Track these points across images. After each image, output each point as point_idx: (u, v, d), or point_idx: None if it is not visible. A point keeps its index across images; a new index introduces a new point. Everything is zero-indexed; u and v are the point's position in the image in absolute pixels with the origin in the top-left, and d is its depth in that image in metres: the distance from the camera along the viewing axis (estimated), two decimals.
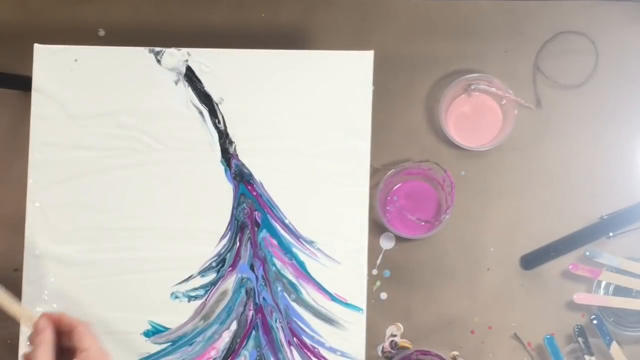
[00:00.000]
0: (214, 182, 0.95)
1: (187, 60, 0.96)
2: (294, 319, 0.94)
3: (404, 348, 1.07)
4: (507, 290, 1.07)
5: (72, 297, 0.93)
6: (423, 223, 1.07)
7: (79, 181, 0.95)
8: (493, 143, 1.07)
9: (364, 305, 0.93)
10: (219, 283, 0.94)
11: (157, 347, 0.94)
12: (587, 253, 1.05)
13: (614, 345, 1.03)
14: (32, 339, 0.74)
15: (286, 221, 0.94)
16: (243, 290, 0.94)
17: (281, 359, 0.93)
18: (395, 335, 1.07)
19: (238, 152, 0.95)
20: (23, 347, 0.93)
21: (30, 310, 0.78)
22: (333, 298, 0.94)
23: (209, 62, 0.96)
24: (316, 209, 0.94)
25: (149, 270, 0.94)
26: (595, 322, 1.04)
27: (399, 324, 1.07)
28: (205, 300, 0.94)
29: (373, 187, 1.03)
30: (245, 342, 0.94)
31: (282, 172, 0.94)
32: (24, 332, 0.93)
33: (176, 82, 0.96)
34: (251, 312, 0.94)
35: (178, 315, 0.94)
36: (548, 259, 1.07)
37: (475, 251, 1.08)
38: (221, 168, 0.95)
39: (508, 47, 1.10)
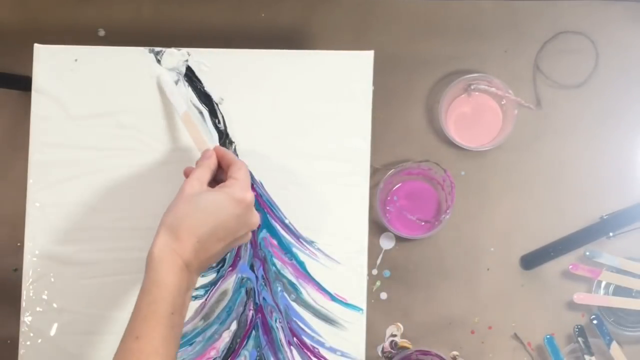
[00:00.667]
0: None
1: (187, 60, 0.96)
2: (294, 319, 0.94)
3: (404, 348, 1.07)
4: (507, 290, 1.07)
5: (72, 297, 0.93)
6: (423, 223, 1.07)
7: (79, 181, 0.95)
8: (493, 143, 1.07)
9: (364, 305, 0.93)
10: (219, 283, 0.94)
11: None
12: (587, 253, 1.05)
13: (614, 345, 1.03)
14: (198, 161, 0.83)
15: (286, 221, 0.94)
16: (243, 290, 0.94)
17: (281, 359, 0.93)
18: (395, 335, 1.07)
19: (238, 152, 0.95)
20: (23, 347, 0.93)
21: (205, 140, 0.89)
22: (333, 298, 0.94)
23: (209, 62, 0.96)
24: (316, 209, 0.94)
25: None
26: (595, 322, 1.04)
27: (399, 324, 1.07)
28: (205, 300, 0.94)
29: (373, 187, 1.03)
30: (245, 342, 0.94)
31: (282, 172, 0.94)
32: (24, 332, 0.93)
33: (176, 82, 0.96)
34: (251, 312, 0.94)
35: None
36: (548, 259, 1.07)
37: (475, 251, 1.08)
38: None
39: (508, 47, 1.10)
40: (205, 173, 0.81)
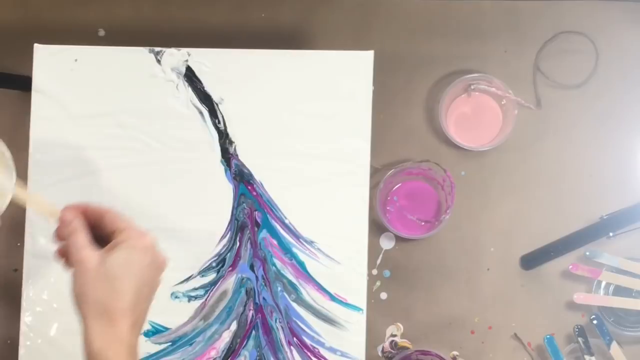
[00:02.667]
0: (214, 182, 0.95)
1: (187, 60, 0.96)
2: (294, 319, 0.94)
3: (404, 348, 1.07)
4: (507, 290, 1.07)
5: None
6: (423, 223, 1.07)
7: (79, 181, 0.95)
8: (493, 143, 1.07)
9: (364, 305, 0.93)
10: (219, 283, 0.94)
11: (157, 347, 0.94)
12: (587, 253, 1.05)
13: (614, 345, 1.03)
14: (59, 233, 0.72)
15: (286, 221, 0.94)
16: (243, 290, 0.94)
17: (281, 359, 0.93)
18: (395, 335, 1.07)
19: (238, 152, 0.95)
20: (23, 347, 0.93)
21: (54, 205, 0.74)
22: (333, 298, 0.94)
23: (209, 62, 0.96)
24: (316, 209, 0.94)
25: None
26: (595, 322, 1.04)
27: (399, 324, 1.07)
28: (205, 300, 0.94)
29: (373, 187, 1.03)
30: (245, 342, 0.94)
31: (282, 172, 0.94)
32: (24, 332, 0.93)
33: (176, 83, 0.96)
34: (251, 312, 0.94)
35: (178, 315, 0.94)
36: (548, 259, 1.07)
37: (475, 251, 1.08)
38: (221, 168, 0.95)
39: (508, 47, 1.10)
40: (83, 236, 0.70)
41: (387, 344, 1.07)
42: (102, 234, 0.72)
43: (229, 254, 0.94)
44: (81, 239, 0.70)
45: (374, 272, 1.08)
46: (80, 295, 0.68)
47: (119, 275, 0.67)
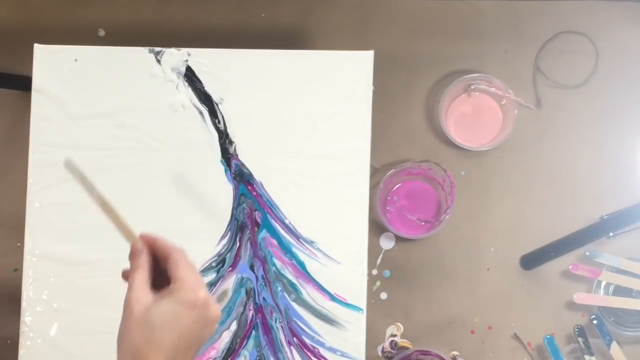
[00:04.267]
0: (214, 182, 0.95)
1: (187, 60, 0.96)
2: (294, 319, 0.94)
3: (404, 348, 1.07)
4: (507, 290, 1.07)
5: (72, 297, 0.93)
6: (423, 223, 1.07)
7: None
8: (493, 143, 1.07)
9: (364, 305, 0.93)
10: (219, 283, 0.94)
11: None
12: (587, 253, 1.05)
13: (614, 345, 1.03)
14: (131, 260, 0.73)
15: (286, 221, 0.94)
16: (243, 291, 0.94)
17: (281, 359, 0.93)
18: (395, 335, 1.07)
19: (238, 152, 0.95)
20: (23, 347, 0.93)
21: (133, 230, 0.75)
22: (333, 298, 0.94)
23: (209, 62, 0.96)
24: (316, 209, 0.94)
25: None
26: (595, 322, 1.04)
27: (399, 324, 1.07)
28: None
29: (373, 187, 1.03)
30: (245, 342, 0.94)
31: (282, 172, 0.94)
32: (24, 332, 0.93)
33: (176, 83, 0.96)
34: (251, 312, 0.94)
35: None
36: (548, 259, 1.07)
37: (475, 251, 1.08)
38: (221, 168, 0.95)
39: (508, 47, 1.10)
40: (142, 275, 0.71)
41: (387, 344, 1.07)
42: (166, 273, 0.72)
43: (229, 254, 0.94)
44: (138, 279, 0.71)
45: (374, 272, 1.08)
46: (120, 335, 0.70)
47: (159, 327, 0.68)
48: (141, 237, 0.74)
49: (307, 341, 0.94)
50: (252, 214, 0.95)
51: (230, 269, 0.94)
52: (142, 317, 0.69)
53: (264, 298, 0.94)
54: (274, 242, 0.94)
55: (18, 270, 1.07)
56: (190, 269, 0.70)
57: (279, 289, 0.94)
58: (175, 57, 0.96)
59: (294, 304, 0.94)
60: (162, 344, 0.68)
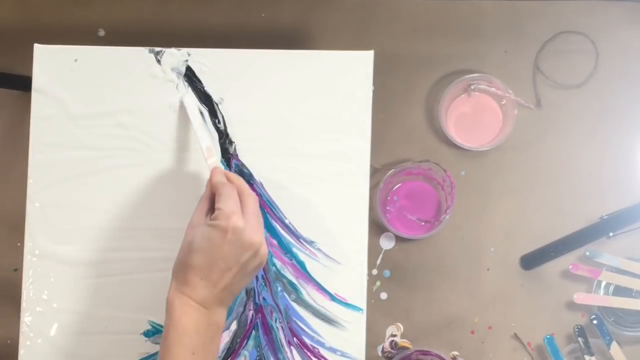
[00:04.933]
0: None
1: (187, 60, 0.96)
2: (294, 319, 0.94)
3: (404, 348, 1.07)
4: (507, 290, 1.07)
5: (72, 297, 0.93)
6: (423, 223, 1.07)
7: (79, 181, 0.95)
8: (493, 143, 1.07)
9: (364, 305, 0.93)
10: None
11: (157, 347, 0.94)
12: (587, 253, 1.05)
13: (614, 345, 1.03)
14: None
15: (286, 221, 0.94)
16: (243, 291, 0.94)
17: (281, 359, 0.93)
18: (395, 335, 1.07)
19: (238, 152, 0.95)
20: (23, 347, 0.93)
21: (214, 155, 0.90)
22: (333, 298, 0.94)
23: (209, 62, 0.96)
24: (316, 209, 0.94)
25: (149, 271, 0.94)
26: (595, 322, 1.04)
27: (399, 324, 1.07)
28: None
29: (373, 187, 1.03)
30: (245, 342, 0.94)
31: (282, 172, 0.94)
32: (24, 331, 0.93)
33: (176, 83, 0.96)
34: (251, 312, 0.94)
35: None
36: (548, 259, 1.07)
37: (475, 251, 1.08)
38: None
39: (508, 47, 1.10)
40: (203, 204, 0.84)
41: (387, 344, 1.07)
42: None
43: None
44: (199, 207, 0.84)
45: (374, 272, 1.08)
46: (176, 257, 0.82)
47: (195, 249, 0.79)
48: (212, 173, 0.86)
49: (307, 341, 0.94)
50: None
51: None
52: (186, 239, 0.81)
53: (264, 298, 0.94)
54: (274, 242, 0.94)
55: (18, 270, 1.07)
56: (232, 202, 0.80)
57: (279, 289, 0.94)
58: (175, 57, 0.96)
59: (294, 304, 0.94)
60: (196, 264, 0.79)
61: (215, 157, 0.91)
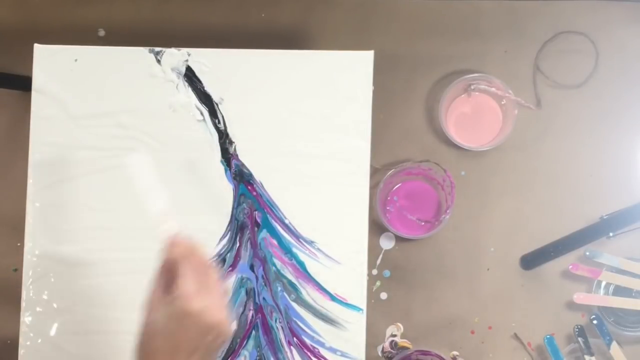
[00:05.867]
0: (214, 182, 0.95)
1: (187, 60, 0.96)
2: (294, 319, 0.94)
3: (404, 348, 1.07)
4: (507, 290, 1.07)
5: (72, 297, 0.93)
6: (423, 223, 1.07)
7: (79, 181, 0.95)
8: (493, 143, 1.07)
9: (364, 305, 0.93)
10: None
11: None
12: (587, 253, 1.05)
13: (614, 345, 1.03)
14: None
15: (286, 221, 0.94)
16: (243, 291, 0.94)
17: (281, 359, 0.94)
18: (395, 335, 1.07)
19: (238, 152, 0.95)
20: (23, 347, 0.93)
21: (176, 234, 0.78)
22: (333, 298, 0.94)
23: (209, 62, 0.96)
24: (316, 209, 0.94)
25: (149, 270, 0.94)
26: (595, 322, 1.04)
27: (399, 324, 1.07)
28: None
29: (373, 187, 1.03)
30: (245, 342, 0.94)
31: (282, 172, 0.94)
32: (24, 332, 0.93)
33: (176, 83, 0.96)
34: (251, 312, 0.94)
35: None
36: (548, 259, 1.07)
37: (475, 251, 1.08)
38: (221, 168, 0.95)
39: (508, 47, 1.10)
40: (160, 280, 0.76)
41: (387, 344, 1.07)
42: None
43: (229, 254, 0.94)
44: (159, 279, 0.76)
45: (374, 272, 1.08)
46: (140, 330, 0.74)
47: (158, 332, 0.73)
48: (174, 243, 0.77)
49: (307, 341, 0.94)
50: (252, 214, 0.95)
51: (230, 269, 0.94)
52: (147, 321, 0.74)
53: (264, 298, 0.94)
54: (274, 242, 0.94)
55: (18, 270, 1.07)
56: (189, 281, 0.73)
57: (279, 289, 0.94)
58: (175, 57, 0.96)
59: (294, 304, 0.94)
60: (160, 349, 0.73)
61: (171, 221, 0.77)
